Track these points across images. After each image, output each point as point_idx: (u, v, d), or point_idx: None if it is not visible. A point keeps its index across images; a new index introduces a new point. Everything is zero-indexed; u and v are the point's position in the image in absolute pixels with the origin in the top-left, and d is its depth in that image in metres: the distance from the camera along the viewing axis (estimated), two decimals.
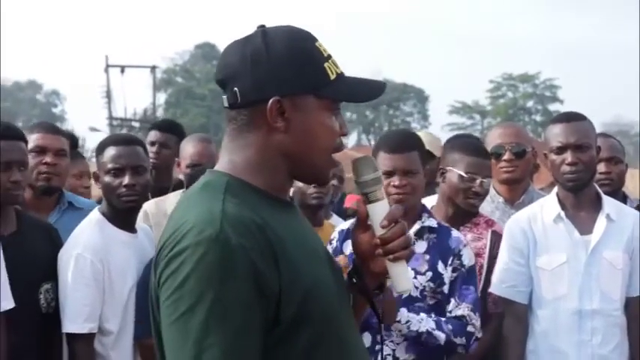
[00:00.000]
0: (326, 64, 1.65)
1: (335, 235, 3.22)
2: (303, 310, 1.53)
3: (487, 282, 3.42)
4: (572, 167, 3.25)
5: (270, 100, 1.60)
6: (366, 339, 2.93)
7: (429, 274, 3.03)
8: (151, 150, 4.37)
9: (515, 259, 3.34)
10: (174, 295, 1.48)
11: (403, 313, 2.89)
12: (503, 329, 3.35)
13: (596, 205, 3.34)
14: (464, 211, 3.51)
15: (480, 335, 3.04)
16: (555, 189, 3.41)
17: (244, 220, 1.52)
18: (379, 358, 2.94)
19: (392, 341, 2.97)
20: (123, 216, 3.19)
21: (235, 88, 1.62)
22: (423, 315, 2.94)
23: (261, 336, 1.50)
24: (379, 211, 1.72)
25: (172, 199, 3.85)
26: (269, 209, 1.60)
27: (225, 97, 1.65)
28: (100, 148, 3.24)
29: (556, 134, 3.31)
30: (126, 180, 3.12)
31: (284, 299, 1.51)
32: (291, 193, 3.77)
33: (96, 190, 3.47)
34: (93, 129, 36.31)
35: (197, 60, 63.80)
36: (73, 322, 3.04)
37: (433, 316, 2.96)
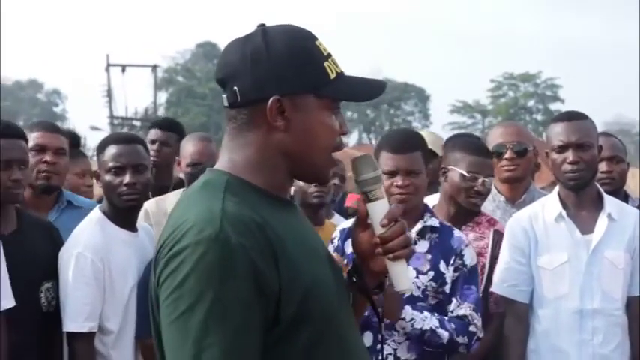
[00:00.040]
0: (326, 63, 1.65)
1: (336, 234, 3.22)
2: (303, 309, 1.53)
3: (489, 281, 3.42)
4: (574, 166, 3.25)
5: (270, 99, 1.60)
6: (368, 338, 2.93)
7: (431, 273, 3.02)
8: (152, 148, 4.36)
9: (517, 259, 3.33)
10: (174, 294, 1.48)
11: (408, 311, 2.89)
12: (504, 328, 3.35)
13: (598, 205, 3.33)
14: (466, 210, 3.51)
15: (481, 335, 3.04)
16: (556, 188, 3.41)
17: (244, 219, 1.52)
18: (380, 357, 2.94)
19: (393, 340, 2.97)
20: (124, 215, 3.19)
21: (235, 87, 1.62)
22: (426, 313, 2.94)
23: (261, 335, 1.50)
24: (379, 210, 1.71)
25: (173, 198, 3.85)
26: (269, 208, 1.59)
27: (225, 96, 1.65)
28: (101, 147, 3.23)
29: (557, 133, 3.31)
30: (127, 179, 3.12)
31: (284, 298, 1.51)
32: (292, 193, 3.77)
33: (98, 189, 3.47)
34: (94, 128, 36.38)
35: (198, 59, 63.83)
36: (73, 321, 3.04)
37: (436, 314, 2.96)
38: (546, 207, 3.36)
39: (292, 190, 3.79)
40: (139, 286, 3.12)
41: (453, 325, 2.94)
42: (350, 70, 1.71)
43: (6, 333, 2.90)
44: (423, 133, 3.95)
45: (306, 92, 1.62)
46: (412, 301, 2.95)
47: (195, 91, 57.24)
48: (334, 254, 3.06)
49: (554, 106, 58.88)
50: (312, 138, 1.64)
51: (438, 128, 55.68)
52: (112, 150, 3.18)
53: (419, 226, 3.08)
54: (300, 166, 1.66)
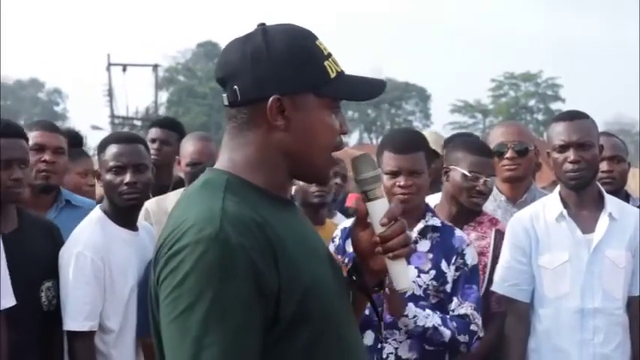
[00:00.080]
0: (326, 63, 1.64)
1: (337, 233, 3.22)
2: (303, 308, 1.53)
3: (491, 281, 3.42)
4: (575, 165, 3.25)
5: (271, 99, 1.59)
6: (369, 337, 2.94)
7: (433, 272, 3.03)
8: (152, 147, 4.37)
9: (518, 258, 3.33)
10: (174, 293, 1.48)
11: (411, 308, 2.89)
12: (505, 328, 3.35)
13: (599, 204, 3.33)
14: (467, 209, 3.50)
15: (482, 334, 3.04)
16: (558, 188, 3.40)
17: (244, 218, 1.52)
18: (381, 356, 2.94)
19: (394, 340, 2.97)
20: (124, 214, 3.19)
21: (235, 87, 1.62)
22: (429, 311, 2.94)
23: (261, 335, 1.49)
24: (379, 209, 1.71)
25: (173, 197, 3.85)
26: (269, 208, 1.59)
27: (225, 95, 1.64)
28: (102, 146, 3.24)
29: (559, 132, 3.31)
30: (127, 178, 3.12)
31: (283, 298, 1.51)
32: (293, 192, 3.77)
33: (100, 189, 3.47)
34: (95, 127, 36.40)
35: (199, 58, 63.83)
36: (73, 320, 3.04)
37: (438, 313, 2.96)
38: (547, 206, 3.36)
39: (293, 189, 3.79)
40: (139, 285, 3.12)
41: (454, 324, 2.95)
42: (350, 70, 1.71)
43: (6, 332, 2.90)
44: (426, 132, 3.96)
45: (306, 91, 1.62)
46: (414, 300, 2.96)
47: (196, 91, 57.26)
48: (334, 254, 3.07)
49: (555, 106, 58.88)
50: (313, 137, 1.63)
51: (438, 128, 55.66)
52: (112, 149, 3.18)
53: (420, 225, 3.08)
54: (300, 166, 1.66)
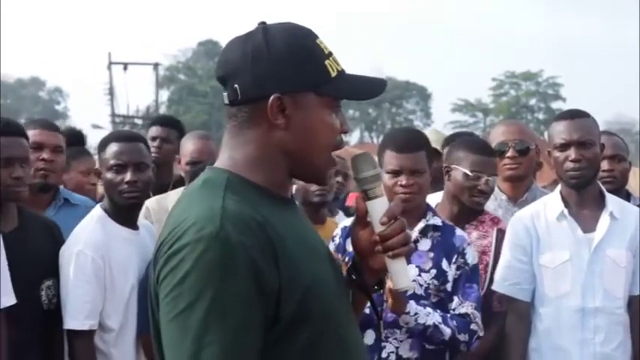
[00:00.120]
0: (327, 62, 1.64)
1: (338, 232, 3.23)
2: (303, 307, 1.52)
3: (493, 280, 3.42)
4: (576, 164, 3.25)
5: (271, 97, 1.59)
6: (370, 337, 2.94)
7: (433, 271, 3.03)
8: (152, 145, 4.37)
9: (518, 257, 3.33)
10: (174, 292, 1.48)
11: (412, 305, 2.90)
12: (506, 327, 3.35)
13: (600, 203, 3.33)
14: (469, 209, 3.50)
15: (482, 334, 3.04)
16: (559, 187, 3.40)
17: (244, 217, 1.52)
18: (381, 355, 2.94)
19: (395, 339, 2.97)
20: (125, 212, 3.19)
21: (236, 85, 1.61)
22: (429, 309, 2.94)
23: (261, 334, 1.49)
24: (378, 207, 1.71)
25: (174, 195, 3.85)
26: (269, 206, 1.59)
27: (225, 93, 1.64)
28: (103, 145, 3.23)
29: (560, 131, 3.30)
30: (128, 177, 3.12)
31: (284, 297, 1.51)
32: (293, 191, 3.77)
33: (102, 187, 3.48)
34: (95, 126, 36.32)
35: (200, 57, 63.80)
36: (73, 319, 3.04)
37: (439, 311, 2.96)
38: (548, 205, 3.36)
39: (294, 188, 3.79)
40: (140, 284, 3.12)
41: (454, 323, 2.95)
42: (350, 69, 1.71)
43: (6, 330, 2.90)
44: (428, 131, 3.95)
45: (306, 90, 1.62)
46: (414, 299, 2.96)
47: (197, 89, 57.23)
48: (334, 253, 3.07)
49: (556, 105, 58.84)
50: (313, 136, 1.63)
51: (439, 127, 55.61)
52: (113, 148, 3.18)
53: (421, 224, 3.09)
54: (299, 165, 1.65)
